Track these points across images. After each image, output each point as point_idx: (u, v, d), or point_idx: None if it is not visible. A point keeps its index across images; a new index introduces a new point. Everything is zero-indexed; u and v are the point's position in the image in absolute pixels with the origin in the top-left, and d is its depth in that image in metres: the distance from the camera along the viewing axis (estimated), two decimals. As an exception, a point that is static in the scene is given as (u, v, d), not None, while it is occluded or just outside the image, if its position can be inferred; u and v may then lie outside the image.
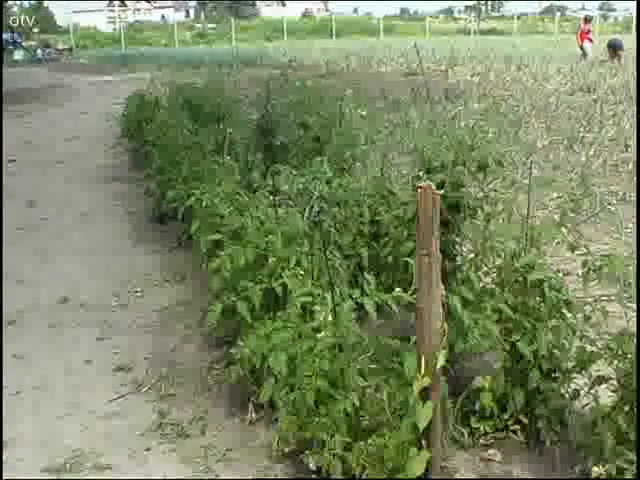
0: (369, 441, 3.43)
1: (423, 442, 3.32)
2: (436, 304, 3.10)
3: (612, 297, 4.46)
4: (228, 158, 6.74)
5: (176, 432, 4.79)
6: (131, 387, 5.35)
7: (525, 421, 4.39)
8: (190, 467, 4.44)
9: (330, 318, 3.84)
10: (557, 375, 4.33)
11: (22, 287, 7.34)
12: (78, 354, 5.90)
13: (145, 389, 5.31)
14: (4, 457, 4.56)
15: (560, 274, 4.54)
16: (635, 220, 7.80)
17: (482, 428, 4.42)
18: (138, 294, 7.07)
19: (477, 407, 4.33)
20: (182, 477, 4.32)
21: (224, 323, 5.10)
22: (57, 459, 4.55)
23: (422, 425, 3.15)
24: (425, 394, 3.19)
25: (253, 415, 4.80)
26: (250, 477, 4.23)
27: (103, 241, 8.75)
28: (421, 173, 4.82)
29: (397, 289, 3.77)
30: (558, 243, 5.89)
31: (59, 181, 11.88)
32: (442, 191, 3.10)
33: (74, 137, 15.49)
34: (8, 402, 5.13)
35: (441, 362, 3.13)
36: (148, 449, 4.65)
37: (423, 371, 3.15)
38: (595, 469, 3.53)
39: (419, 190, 3.02)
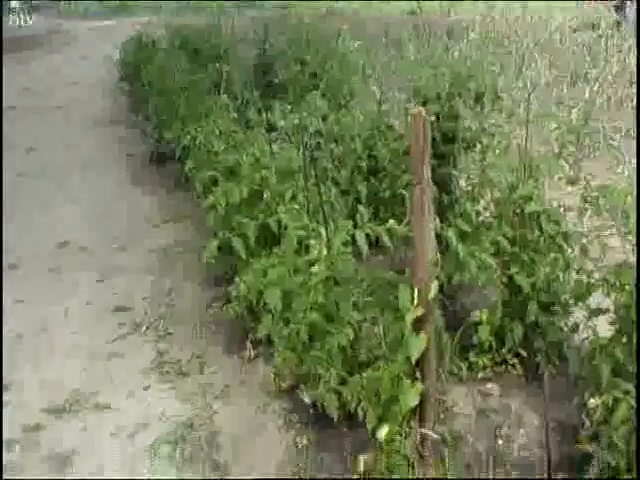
0: (364, 374, 3.41)
1: (418, 374, 3.30)
2: (428, 234, 3.05)
3: (611, 230, 4.42)
4: (225, 97, 6.64)
5: (175, 370, 4.81)
6: (130, 327, 5.37)
7: (524, 354, 4.37)
8: (189, 404, 4.46)
9: (325, 252, 3.80)
10: (556, 309, 4.29)
11: (22, 232, 7.30)
12: (78, 297, 5.91)
13: (144, 329, 5.32)
14: (7, 398, 4.60)
15: (561, 209, 4.49)
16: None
17: (480, 362, 4.41)
18: (137, 236, 7.03)
19: (475, 341, 4.31)
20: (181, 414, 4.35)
21: (222, 261, 5.06)
22: (57, 400, 4.59)
23: (415, 356, 3.12)
24: (418, 325, 3.16)
25: (251, 352, 4.80)
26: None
27: (102, 184, 8.68)
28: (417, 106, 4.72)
29: (391, 221, 3.72)
30: (560, 178, 5.83)
31: (58, 126, 11.77)
32: (433, 117, 3.03)
33: (73, 82, 15.29)
34: (10, 346, 5.15)
35: (433, 292, 3.09)
36: (147, 388, 4.68)
37: (416, 302, 3.12)
38: (592, 401, 3.51)
39: (410, 117, 2.95)
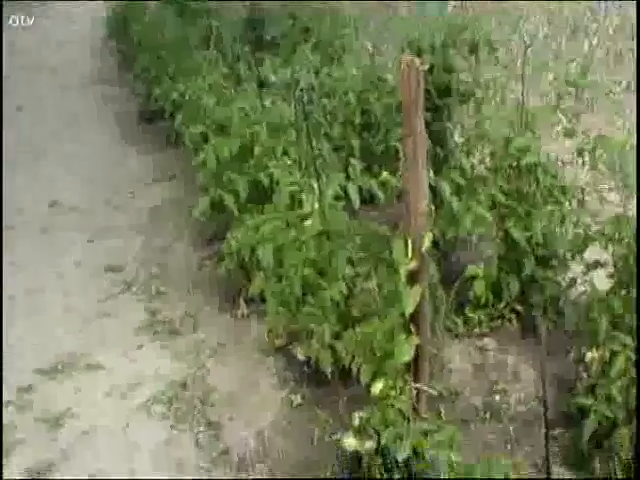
0: (358, 329, 3.35)
1: (412, 329, 3.25)
2: (422, 185, 2.97)
3: (609, 185, 4.35)
4: (214, 52, 6.53)
5: (168, 330, 4.77)
6: (122, 287, 5.32)
7: (520, 309, 4.33)
8: (183, 363, 4.43)
9: (317, 206, 3.73)
10: (553, 263, 4.24)
11: (12, 192, 7.17)
12: (69, 257, 5.85)
13: (136, 289, 5.27)
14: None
15: (559, 163, 4.41)
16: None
17: (477, 317, 4.37)
18: (129, 195, 6.95)
19: (471, 296, 4.26)
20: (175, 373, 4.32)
21: (214, 218, 5.00)
22: (50, 360, 4.56)
23: (409, 308, 3.06)
24: (413, 278, 3.10)
25: (244, 310, 4.77)
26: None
27: (92, 143, 8.53)
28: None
29: (384, 173, 3.64)
30: (557, 132, 5.74)
31: (47, 85, 11.55)
32: (427, 66, 2.94)
33: (62, 41, 15.04)
34: (3, 307, 5.09)
35: (427, 244, 3.03)
36: (140, 347, 4.65)
37: (410, 254, 3.05)
38: (589, 354, 3.48)
39: (402, 66, 2.86)
